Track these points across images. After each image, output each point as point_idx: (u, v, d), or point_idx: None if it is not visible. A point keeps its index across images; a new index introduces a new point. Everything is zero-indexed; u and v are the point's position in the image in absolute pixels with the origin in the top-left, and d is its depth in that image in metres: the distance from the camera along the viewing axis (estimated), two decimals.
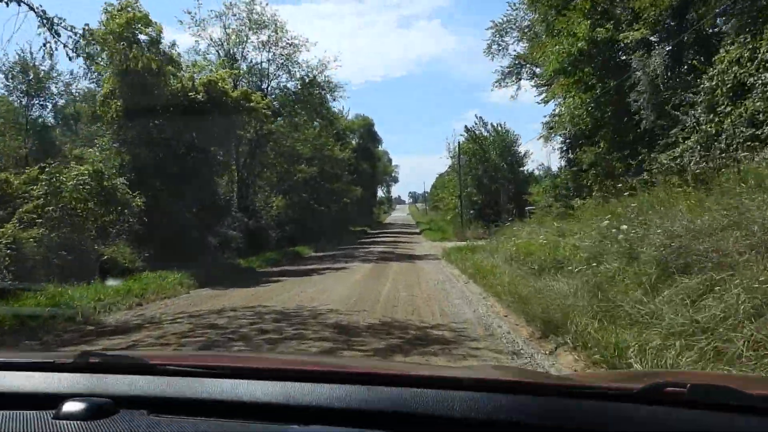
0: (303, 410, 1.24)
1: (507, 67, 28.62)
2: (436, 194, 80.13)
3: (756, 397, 1.14)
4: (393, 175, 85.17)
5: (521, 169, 47.15)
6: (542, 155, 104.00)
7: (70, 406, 1.24)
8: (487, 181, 44.43)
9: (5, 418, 1.23)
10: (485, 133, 45.61)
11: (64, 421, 1.21)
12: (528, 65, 27.57)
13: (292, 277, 16.05)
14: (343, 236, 42.35)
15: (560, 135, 26.36)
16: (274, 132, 25.50)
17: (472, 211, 44.58)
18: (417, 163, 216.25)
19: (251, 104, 19.45)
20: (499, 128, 46.12)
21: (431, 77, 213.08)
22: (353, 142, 56.93)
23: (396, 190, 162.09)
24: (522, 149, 46.63)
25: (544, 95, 29.06)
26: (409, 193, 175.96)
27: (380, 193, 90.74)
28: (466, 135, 45.02)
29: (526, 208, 43.91)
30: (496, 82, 29.64)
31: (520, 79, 28.86)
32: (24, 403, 1.30)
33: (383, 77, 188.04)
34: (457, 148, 45.24)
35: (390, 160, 79.69)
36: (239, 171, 26.66)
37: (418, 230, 55.64)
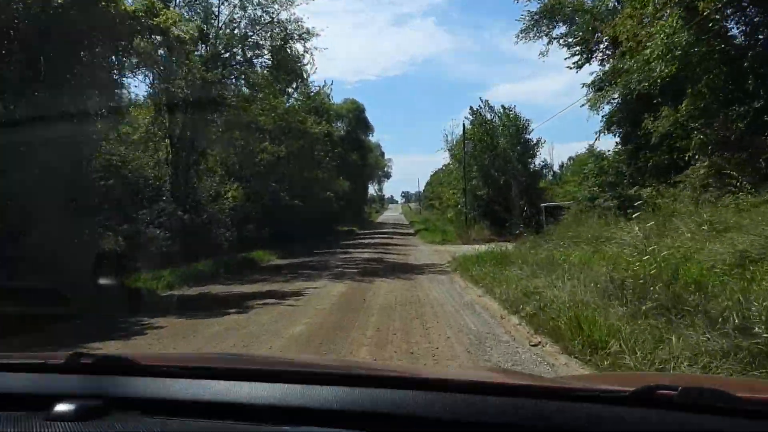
0: (295, 411, 1.21)
1: (536, 13, 21.03)
2: (431, 191, 72.64)
3: (745, 401, 1.13)
4: (385, 170, 77.29)
5: (532, 160, 39.73)
6: (544, 151, 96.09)
7: (62, 407, 1.19)
8: (495, 173, 36.99)
9: None
10: (491, 119, 38.18)
11: (56, 423, 1.16)
12: (565, 9, 20.01)
13: (192, 317, 8.46)
14: (324, 237, 35.02)
15: (613, 99, 18.92)
16: (217, 86, 17.59)
17: (470, 210, 37.12)
18: (410, 163, 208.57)
19: (155, 21, 11.75)
20: (509, 111, 38.70)
21: (426, 76, 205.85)
22: (341, 129, 49.33)
23: (388, 190, 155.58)
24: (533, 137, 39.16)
25: (578, 58, 21.66)
26: (402, 192, 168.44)
27: (372, 190, 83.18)
28: (471, 118, 37.55)
29: (543, 205, 36.61)
30: (522, 32, 22.04)
31: (554, 28, 21.25)
32: (15, 404, 1.27)
33: (378, 76, 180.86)
34: (461, 133, 37.67)
35: (382, 154, 72.00)
36: (172, 145, 18.98)
37: (412, 230, 48.34)
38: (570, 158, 53.96)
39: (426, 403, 1.17)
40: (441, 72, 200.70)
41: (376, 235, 39.82)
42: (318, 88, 30.59)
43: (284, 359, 2.55)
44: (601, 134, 20.86)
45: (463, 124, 36.57)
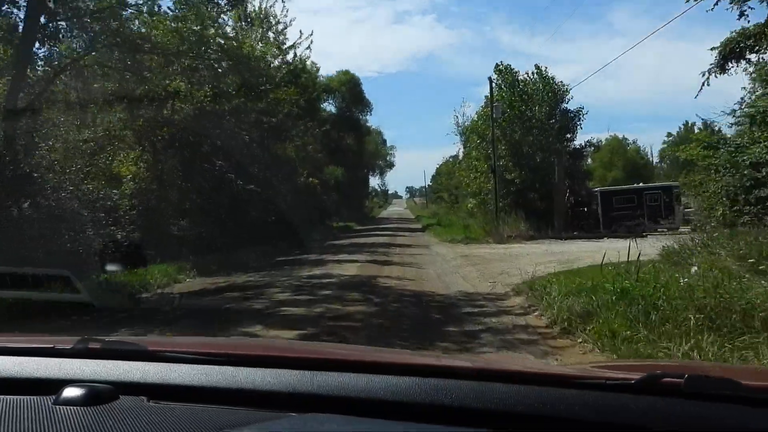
0: (302, 398, 1.17)
1: None
2: (440, 183, 63.15)
3: (751, 388, 1.10)
4: (388, 159, 66.37)
5: (572, 135, 30.39)
6: None
7: (71, 392, 1.16)
8: (529, 150, 27.62)
9: (5, 403, 1.16)
10: (518, 87, 28.84)
11: (65, 407, 1.13)
12: None
13: None
14: (308, 236, 25.95)
15: None
16: None
17: (501, 198, 27.77)
18: (413, 159, 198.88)
19: None
20: (543, 72, 29.40)
21: (426, 73, 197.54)
22: (331, 107, 39.89)
23: (391, 185, 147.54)
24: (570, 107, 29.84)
25: None
26: (406, 188, 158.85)
27: (374, 183, 73.38)
28: (497, 79, 28.12)
29: (597, 191, 27.20)
30: None
31: None
32: (24, 388, 1.24)
33: (378, 72, 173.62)
34: (488, 96, 28.25)
35: (384, 141, 61.62)
36: None
37: (419, 225, 39.29)
38: (590, 144, 44.43)
39: (432, 389, 1.13)
40: (442, 68, 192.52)
41: (377, 233, 30.78)
42: (281, 22, 20.97)
43: (291, 346, 2.40)
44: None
45: (489, 80, 27.01)
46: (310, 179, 27.66)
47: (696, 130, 66.95)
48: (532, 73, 28.57)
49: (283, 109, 19.68)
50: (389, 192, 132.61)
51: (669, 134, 64.55)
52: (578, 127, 29.89)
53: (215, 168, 17.37)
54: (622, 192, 25.89)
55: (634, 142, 62.43)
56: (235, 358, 1.36)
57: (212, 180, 17.20)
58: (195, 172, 16.13)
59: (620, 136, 61.94)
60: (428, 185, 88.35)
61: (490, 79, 26.97)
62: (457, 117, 41.52)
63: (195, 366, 1.28)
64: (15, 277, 5.40)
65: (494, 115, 24.99)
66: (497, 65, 28.31)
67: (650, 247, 8.08)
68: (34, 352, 1.41)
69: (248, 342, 2.83)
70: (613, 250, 7.10)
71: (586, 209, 26.01)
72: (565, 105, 29.33)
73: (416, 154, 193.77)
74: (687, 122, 60.06)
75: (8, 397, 1.18)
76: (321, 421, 1.12)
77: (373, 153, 53.86)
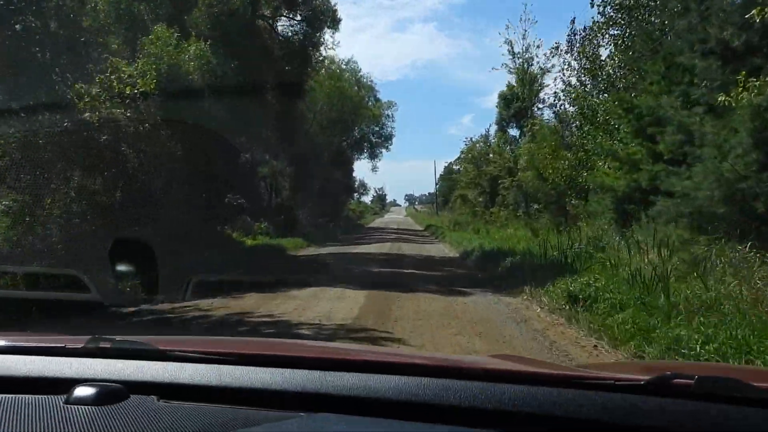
0: (311, 398, 1.14)
1: None
2: (466, 170, 37.98)
3: (762, 390, 1.05)
4: (384, 128, 37.49)
5: None
6: None
7: (82, 391, 1.14)
8: None
9: (17, 402, 1.14)
10: None
11: (76, 406, 1.11)
12: None
13: None
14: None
15: None
16: None
17: None
18: (412, 168, 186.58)
19: None
20: None
21: (426, 81, 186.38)
22: None
23: (389, 194, 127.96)
24: None
25: None
26: (405, 195, 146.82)
27: (363, 175, 47.03)
28: None
29: None
30: None
31: None
32: (35, 387, 1.20)
33: (379, 80, 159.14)
34: None
35: (377, 99, 35.00)
36: None
37: (449, 252, 14.63)
38: None
39: (441, 389, 1.10)
40: (441, 77, 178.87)
41: (336, 289, 7.91)
42: None
43: (301, 346, 2.33)
44: None
45: None
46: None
47: None
48: None
49: None
50: (387, 199, 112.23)
51: None
52: None
53: None
54: None
55: None
56: (245, 357, 1.32)
57: None
58: None
59: None
60: (437, 186, 63.89)
61: None
62: (511, 43, 22.88)
63: (205, 366, 1.23)
64: (26, 276, 5.53)
65: None
66: None
67: None
68: (45, 352, 1.36)
69: (258, 342, 2.71)
70: None
71: None
72: None
73: (415, 163, 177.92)
74: None
75: (20, 396, 1.15)
76: (330, 421, 1.09)
77: (355, 107, 28.53)
